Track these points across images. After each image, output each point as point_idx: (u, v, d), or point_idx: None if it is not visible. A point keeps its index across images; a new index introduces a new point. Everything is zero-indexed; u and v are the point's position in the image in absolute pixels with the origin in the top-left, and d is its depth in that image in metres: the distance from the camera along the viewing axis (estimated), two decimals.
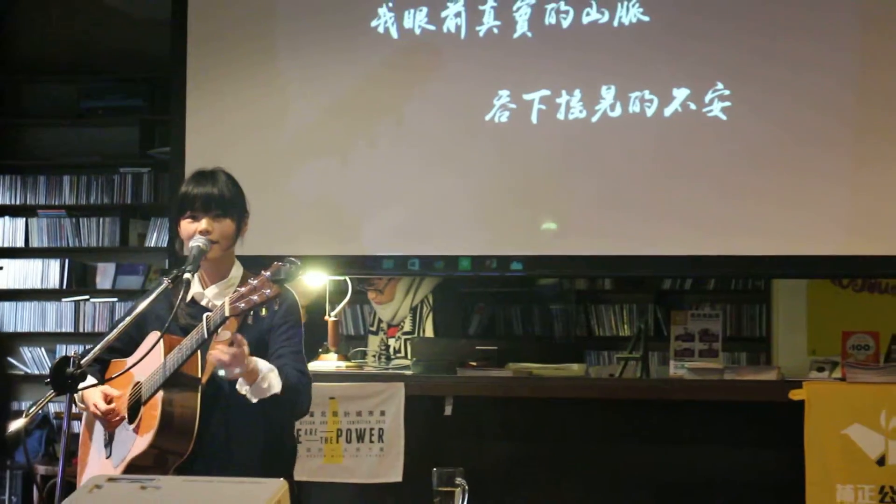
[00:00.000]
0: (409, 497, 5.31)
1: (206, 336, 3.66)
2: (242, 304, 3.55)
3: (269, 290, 3.53)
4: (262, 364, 3.72)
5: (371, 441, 5.59)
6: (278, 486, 2.27)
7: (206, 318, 3.67)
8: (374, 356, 6.48)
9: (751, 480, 5.43)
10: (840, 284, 7.41)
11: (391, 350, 6.49)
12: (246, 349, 3.62)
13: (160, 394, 3.77)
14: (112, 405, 3.86)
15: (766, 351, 8.05)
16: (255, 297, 3.53)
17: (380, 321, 6.66)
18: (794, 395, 5.24)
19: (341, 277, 6.17)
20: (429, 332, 6.46)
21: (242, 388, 3.72)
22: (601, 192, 5.93)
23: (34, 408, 3.73)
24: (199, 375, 3.81)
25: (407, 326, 6.53)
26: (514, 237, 6.00)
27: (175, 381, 3.76)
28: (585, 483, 5.59)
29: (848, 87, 5.70)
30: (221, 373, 3.69)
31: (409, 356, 6.32)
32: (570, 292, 8.60)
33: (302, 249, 5.82)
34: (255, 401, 3.74)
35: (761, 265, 5.94)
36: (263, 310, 3.57)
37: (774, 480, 5.38)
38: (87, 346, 3.74)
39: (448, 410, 5.61)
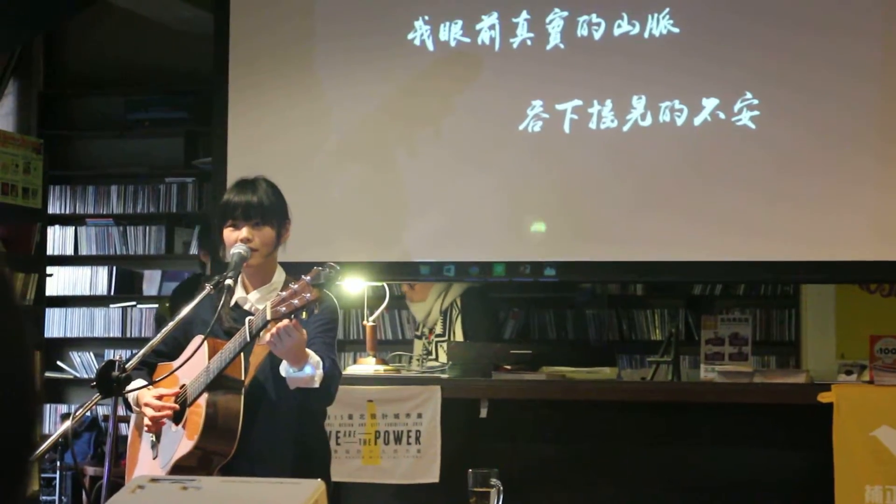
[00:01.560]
0: (445, 498, 5.30)
1: (248, 339, 3.67)
2: (284, 308, 3.55)
3: (309, 294, 3.53)
4: (313, 355, 3.73)
5: (408, 443, 5.58)
6: (315, 486, 2.25)
7: (249, 322, 3.68)
8: (417, 360, 6.48)
9: (780, 482, 5.39)
10: (868, 289, 7.34)
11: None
12: (304, 333, 3.63)
13: (205, 396, 3.78)
14: (164, 402, 3.86)
15: (795, 355, 7.99)
16: (295, 301, 3.54)
17: (423, 325, 6.65)
18: (823, 397, 5.20)
19: (379, 283, 6.16)
20: (458, 335, 6.45)
21: (286, 370, 3.72)
22: (632, 199, 5.90)
23: (81, 410, 3.75)
24: (243, 378, 3.82)
25: (438, 329, 6.53)
26: (547, 243, 5.98)
27: (219, 383, 3.77)
28: (618, 484, 5.57)
29: (875, 89, 5.65)
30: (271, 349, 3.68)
31: (438, 359, 6.32)
32: (603, 297, 8.58)
33: (341, 256, 5.81)
34: (293, 387, 3.74)
35: (790, 270, 5.90)
36: (304, 313, 3.57)
37: (804, 482, 5.34)
38: (134, 351, 3.75)
39: (483, 413, 5.60)
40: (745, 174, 5.79)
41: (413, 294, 6.57)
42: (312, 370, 3.72)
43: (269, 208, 3.94)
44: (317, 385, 3.74)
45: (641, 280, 7.85)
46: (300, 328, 3.60)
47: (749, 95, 5.76)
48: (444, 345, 6.39)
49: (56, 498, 7.45)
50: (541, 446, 5.64)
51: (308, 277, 3.57)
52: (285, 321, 3.56)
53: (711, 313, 6.56)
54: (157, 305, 8.84)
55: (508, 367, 5.81)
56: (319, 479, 2.35)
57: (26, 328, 0.93)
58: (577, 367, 5.91)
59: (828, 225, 5.68)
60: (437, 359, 6.37)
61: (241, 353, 3.75)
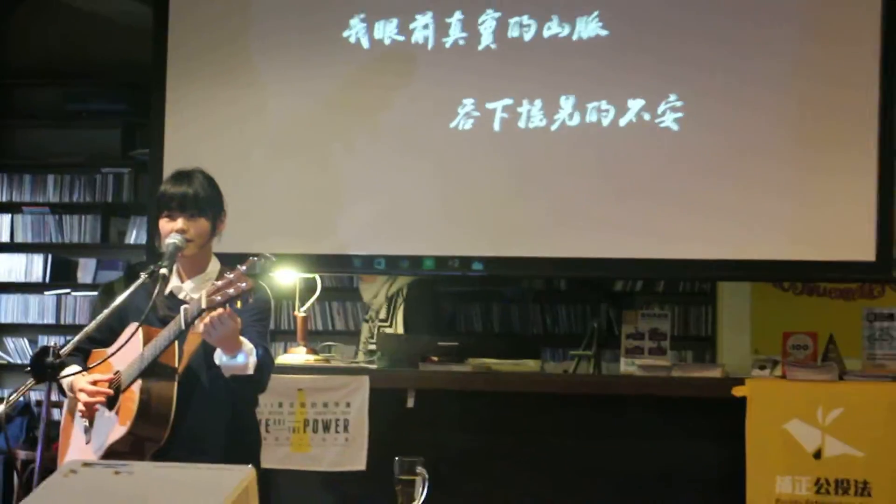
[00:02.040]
0: (372, 485, 5.28)
1: (183, 327, 3.64)
2: (219, 297, 3.52)
3: (244, 284, 3.50)
4: (247, 342, 3.70)
5: (337, 431, 5.56)
6: (246, 472, 2.24)
7: (184, 310, 3.64)
8: (363, 343, 6.45)
9: (696, 471, 5.43)
10: (782, 287, 7.42)
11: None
12: (239, 322, 3.60)
13: (138, 382, 3.74)
14: (98, 387, 3.81)
15: (711, 350, 8.06)
16: (230, 291, 3.51)
17: (371, 308, 6.62)
18: (737, 391, 5.25)
19: (311, 275, 6.13)
20: (399, 323, 6.43)
21: (220, 358, 3.69)
22: (558, 196, 5.92)
23: (14, 395, 3.69)
24: (176, 365, 3.78)
25: (382, 315, 6.51)
26: (476, 239, 5.98)
27: (153, 370, 3.74)
28: (540, 473, 5.58)
29: (791, 99, 5.72)
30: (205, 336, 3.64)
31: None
32: (528, 292, 8.59)
33: (275, 247, 5.75)
34: (227, 375, 3.71)
35: (708, 268, 5.95)
36: (238, 303, 3.54)
37: (718, 471, 5.38)
38: (68, 338, 3.71)
39: (410, 403, 5.59)
40: (667, 175, 5.83)
41: (366, 277, 6.54)
42: (246, 358, 3.69)
43: (204, 200, 3.90)
44: (251, 372, 3.71)
45: (565, 275, 7.88)
46: (235, 317, 3.57)
47: (673, 98, 5.80)
48: (388, 329, 6.38)
49: None
50: (466, 436, 5.64)
51: (243, 267, 3.54)
52: (220, 310, 3.53)
53: (632, 308, 6.60)
54: (92, 293, 8.74)
55: (435, 358, 5.81)
56: (250, 465, 2.33)
57: None
58: (502, 359, 5.91)
59: (744, 225, 5.73)
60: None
61: (176, 341, 3.72)
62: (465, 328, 8.60)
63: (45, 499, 2.21)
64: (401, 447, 4.12)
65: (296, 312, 6.02)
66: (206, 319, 3.55)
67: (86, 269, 8.94)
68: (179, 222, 3.86)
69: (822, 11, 5.73)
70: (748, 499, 5.18)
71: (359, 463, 5.50)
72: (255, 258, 3.58)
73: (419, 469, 3.76)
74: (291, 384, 5.54)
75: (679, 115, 5.80)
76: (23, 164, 9.02)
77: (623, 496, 5.50)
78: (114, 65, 8.84)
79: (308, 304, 6.04)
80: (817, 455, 5.17)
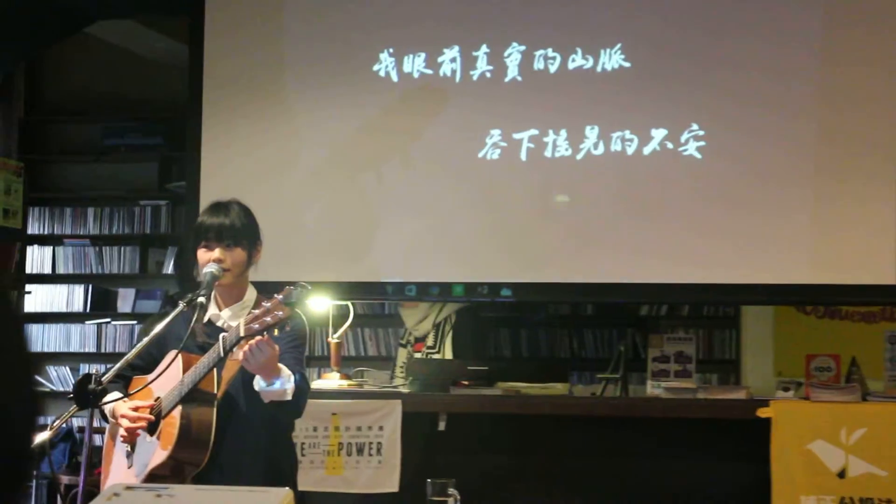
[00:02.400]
0: None
1: (222, 354, 3.66)
2: (256, 325, 3.54)
3: (281, 312, 3.52)
4: (284, 369, 3.71)
5: (370, 454, 5.57)
6: (284, 493, 2.25)
7: (223, 338, 3.66)
8: (400, 368, 6.43)
9: (722, 492, 5.41)
10: (804, 311, 7.39)
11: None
12: (277, 349, 3.61)
13: (179, 408, 3.76)
14: (139, 413, 3.84)
15: (735, 372, 8.03)
16: (268, 319, 3.53)
17: (409, 333, 6.57)
18: (762, 412, 5.23)
19: (344, 302, 6.15)
20: (448, 351, 6.40)
21: (259, 384, 3.70)
22: (585, 223, 5.93)
23: (58, 421, 3.72)
24: (216, 391, 3.80)
25: (430, 342, 6.49)
26: (504, 265, 5.99)
27: (193, 396, 3.75)
28: (569, 494, 5.57)
29: (809, 126, 5.71)
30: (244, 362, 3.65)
31: None
32: (556, 318, 8.59)
33: (309, 275, 5.79)
34: (266, 401, 3.72)
35: (731, 292, 5.94)
36: (276, 330, 3.56)
37: (744, 492, 5.36)
38: (109, 365, 3.73)
39: (442, 426, 5.60)
40: (690, 201, 5.83)
41: (409, 302, 6.49)
42: (283, 384, 3.71)
43: (241, 230, 3.93)
44: (289, 398, 3.72)
45: (591, 301, 7.87)
46: (272, 344, 3.59)
47: (695, 127, 5.81)
48: (437, 356, 6.35)
49: None
50: (496, 458, 5.64)
51: (280, 296, 3.55)
52: (258, 337, 3.55)
53: (657, 333, 6.59)
54: (132, 322, 8.79)
55: (466, 382, 5.81)
56: (287, 488, 2.34)
57: (28, 346, 0.90)
58: (530, 382, 5.91)
59: (766, 250, 5.73)
60: None
61: (214, 368, 3.74)
62: (494, 353, 8.60)
63: None
64: (433, 469, 4.14)
65: (329, 339, 6.04)
66: (246, 347, 3.57)
67: (125, 299, 8.99)
68: (217, 252, 3.88)
69: (843, 37, 5.72)
70: None
71: (391, 485, 5.50)
72: (292, 287, 3.59)
73: (451, 491, 3.77)
74: (325, 408, 5.55)
75: (701, 143, 5.80)
76: (63, 198, 9.09)
77: None
78: (149, 100, 8.91)
79: (341, 330, 6.06)
80: (841, 475, 5.14)
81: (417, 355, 6.39)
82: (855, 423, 5.15)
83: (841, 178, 5.68)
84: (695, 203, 5.82)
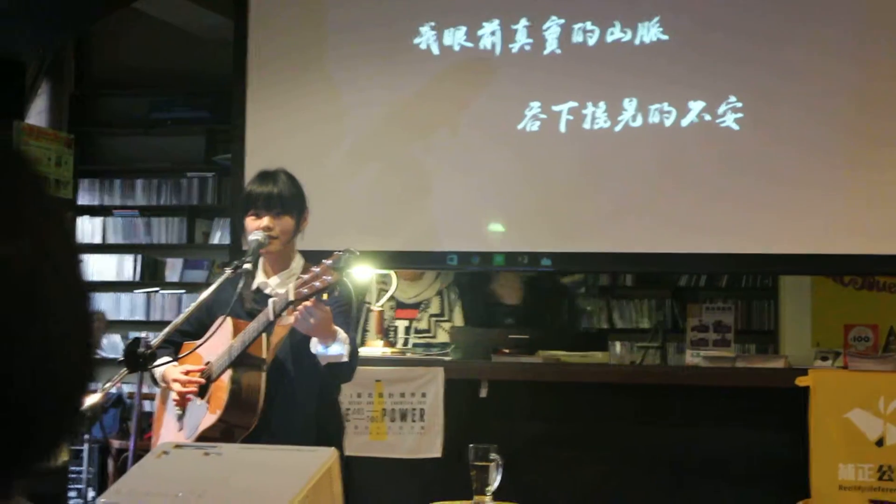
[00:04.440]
0: (447, 471, 5.30)
1: (271, 318, 3.68)
2: (305, 290, 3.55)
3: (329, 277, 3.53)
4: (340, 331, 3.73)
5: (413, 420, 5.59)
6: (329, 453, 2.27)
7: (273, 303, 3.68)
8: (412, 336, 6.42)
9: (760, 460, 5.40)
10: (842, 282, 7.35)
11: (412, 330, 6.41)
12: (329, 310, 3.62)
13: (228, 373, 3.78)
14: (190, 377, 3.87)
15: (773, 343, 8.00)
16: (316, 283, 3.54)
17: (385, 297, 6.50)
18: (801, 381, 5.20)
19: (386, 271, 6.16)
20: (457, 318, 6.42)
21: (316, 347, 3.71)
22: (623, 194, 5.90)
23: (108, 384, 3.75)
24: (264, 356, 3.82)
25: (434, 309, 6.48)
26: (544, 235, 5.98)
27: (242, 361, 3.78)
28: (608, 460, 5.57)
29: (847, 97, 5.65)
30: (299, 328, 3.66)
31: (437, 337, 6.29)
32: (595, 287, 8.58)
33: (352, 245, 5.83)
34: (324, 363, 3.73)
35: (769, 263, 5.90)
36: (325, 295, 3.57)
37: (782, 460, 5.34)
38: (158, 333, 3.76)
39: (483, 393, 5.61)
40: (728, 173, 5.79)
41: (409, 275, 6.47)
42: (341, 345, 3.72)
43: (288, 199, 3.94)
44: (346, 359, 3.74)
45: (631, 270, 7.87)
46: (324, 306, 3.60)
47: (733, 99, 5.76)
48: (444, 324, 6.37)
49: (84, 468, 7.45)
50: (536, 424, 5.65)
51: (329, 261, 3.57)
52: (310, 300, 3.56)
53: (696, 302, 6.57)
54: (179, 291, 8.86)
55: (507, 350, 5.82)
56: (333, 448, 2.36)
57: (84, 281, 0.89)
58: (571, 351, 5.91)
59: (804, 221, 5.68)
60: (435, 337, 6.34)
61: (264, 333, 3.75)
62: (535, 322, 8.60)
63: (138, 477, 2.25)
64: (474, 435, 4.15)
65: (372, 307, 6.06)
66: (299, 309, 3.58)
67: (173, 269, 9.06)
68: (265, 220, 3.89)
69: (881, 7, 5.66)
70: (812, 486, 5.14)
71: (434, 450, 5.52)
72: (341, 252, 3.60)
73: (493, 455, 3.78)
74: (369, 375, 5.57)
75: (739, 115, 5.76)
76: (112, 171, 9.16)
77: (689, 482, 5.48)
78: (195, 74, 8.95)
79: (384, 299, 6.08)
80: (879, 443, 5.12)
81: (403, 322, 6.33)
82: (893, 392, 5.12)
83: (879, 148, 5.62)
84: (732, 174, 5.78)
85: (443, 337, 6.27)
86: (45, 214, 0.80)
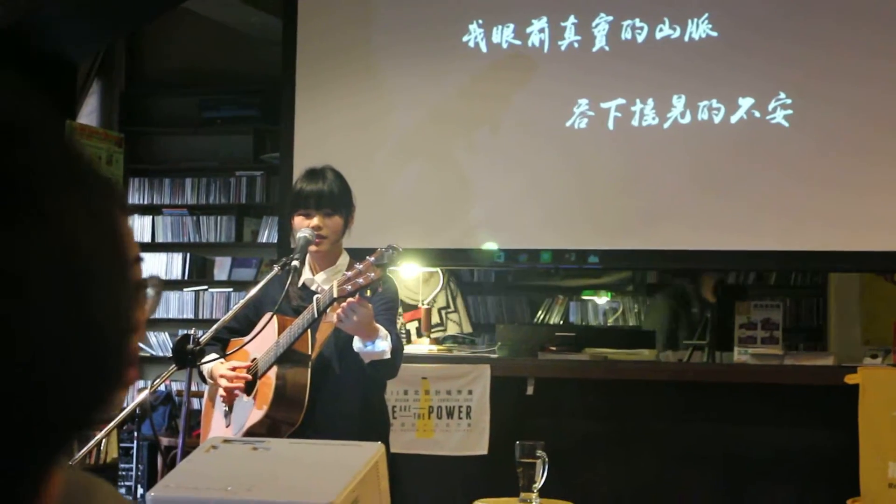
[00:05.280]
0: (494, 468, 5.30)
1: (316, 315, 3.68)
2: (349, 287, 3.56)
3: (373, 274, 3.53)
4: (381, 328, 3.72)
5: (460, 417, 5.59)
6: (376, 448, 2.27)
7: (317, 300, 3.69)
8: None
9: (809, 457, 5.35)
10: (891, 279, 7.27)
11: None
12: (371, 308, 3.63)
13: (274, 369, 3.79)
14: (236, 373, 3.88)
15: (822, 340, 7.93)
16: (360, 280, 3.54)
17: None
18: (850, 379, 5.15)
19: (434, 269, 6.17)
20: (461, 309, 6.44)
21: (357, 345, 3.71)
22: (671, 192, 5.87)
23: (158, 381, 3.77)
24: (310, 353, 3.83)
25: (441, 302, 6.48)
26: (591, 232, 5.96)
27: (287, 357, 3.79)
28: (655, 458, 5.55)
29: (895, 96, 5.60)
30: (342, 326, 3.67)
31: (448, 329, 6.30)
32: (642, 286, 8.54)
33: (398, 242, 5.84)
34: (367, 361, 3.73)
35: (818, 260, 5.86)
36: (368, 291, 3.57)
37: (831, 458, 5.30)
38: (207, 330, 3.77)
39: (530, 390, 5.60)
40: (777, 171, 5.75)
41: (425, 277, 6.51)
42: (383, 343, 3.72)
43: (338, 197, 3.93)
44: (388, 357, 3.73)
45: (678, 267, 7.82)
46: (366, 304, 3.60)
47: (783, 95, 5.72)
48: (451, 315, 6.38)
49: (133, 465, 7.51)
50: (583, 422, 5.63)
51: (372, 258, 3.57)
52: (351, 298, 3.56)
53: (744, 300, 6.52)
54: (228, 289, 8.91)
55: (553, 347, 5.81)
56: (380, 443, 2.35)
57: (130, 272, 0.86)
58: (618, 349, 5.89)
59: (853, 218, 5.64)
60: (446, 329, 6.34)
61: (309, 330, 3.76)
62: (581, 320, 8.59)
63: (187, 472, 2.26)
64: (521, 433, 4.15)
65: (420, 304, 6.06)
66: (343, 307, 3.59)
67: (221, 267, 9.10)
68: (316, 220, 3.88)
69: None
70: (862, 483, 5.08)
71: (481, 448, 5.52)
72: (385, 249, 3.60)
73: (539, 452, 3.77)
74: (416, 373, 5.58)
75: (789, 112, 5.71)
76: (162, 169, 9.22)
77: (738, 479, 5.44)
78: (244, 74, 8.99)
79: (432, 296, 6.09)
80: None
81: (412, 324, 6.30)
82: None
83: None
84: (781, 171, 5.74)
85: (452, 329, 6.29)
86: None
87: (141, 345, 8.86)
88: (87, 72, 8.57)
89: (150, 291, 1.07)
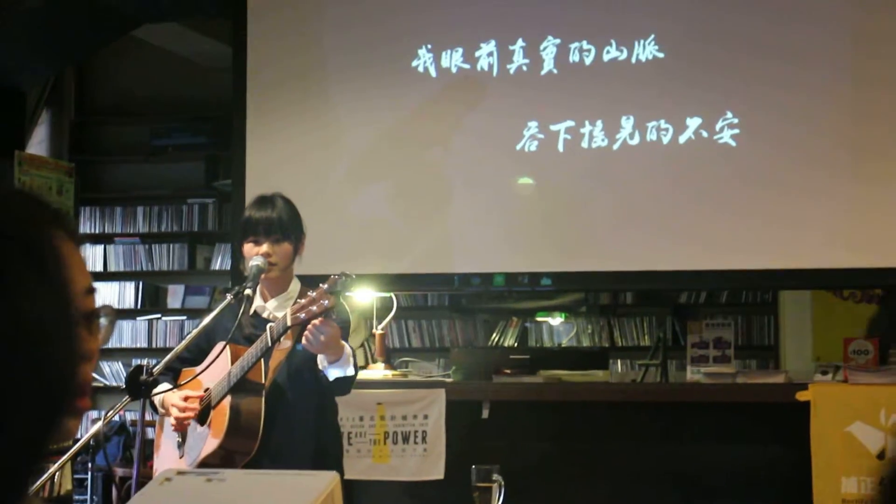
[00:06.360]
0: (450, 493, 5.28)
1: (269, 344, 3.67)
2: (303, 314, 3.55)
3: (326, 301, 3.53)
4: (346, 345, 3.73)
5: (415, 442, 5.57)
6: (331, 477, 2.25)
7: (270, 329, 3.67)
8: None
9: (762, 475, 5.38)
10: (841, 296, 7.34)
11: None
12: (337, 326, 3.63)
13: (228, 398, 3.77)
14: (189, 403, 3.86)
15: (774, 357, 7.99)
16: (314, 308, 3.54)
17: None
18: (801, 396, 5.19)
19: (387, 294, 6.16)
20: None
21: (323, 363, 3.71)
22: (622, 213, 5.90)
23: (111, 412, 3.74)
24: (263, 381, 3.81)
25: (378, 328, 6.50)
26: (544, 255, 5.98)
27: (241, 386, 3.77)
28: (611, 478, 5.56)
29: (844, 109, 5.66)
30: (300, 344, 3.67)
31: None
32: (595, 307, 8.57)
33: (351, 268, 5.82)
34: (332, 378, 3.73)
35: (769, 278, 5.90)
36: (321, 319, 3.57)
37: (784, 474, 5.33)
38: (160, 359, 3.75)
39: (485, 414, 5.60)
40: (726, 189, 5.79)
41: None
42: (347, 358, 3.73)
43: (287, 224, 3.93)
44: (352, 373, 3.75)
45: (630, 289, 7.85)
46: (331, 323, 3.60)
47: (730, 115, 5.77)
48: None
49: (87, 497, 7.44)
50: (539, 444, 5.63)
51: (325, 285, 3.57)
52: (317, 320, 3.56)
53: (696, 319, 6.56)
54: (181, 317, 8.86)
55: (508, 371, 5.81)
56: (335, 472, 2.34)
57: (66, 315, 0.89)
58: (571, 370, 5.90)
59: (803, 235, 5.68)
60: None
61: (262, 358, 3.75)
62: (535, 342, 8.61)
63: None
64: (477, 456, 4.13)
65: (374, 330, 6.05)
66: (309, 328, 3.58)
67: (175, 295, 9.05)
68: (265, 247, 3.88)
69: (877, 18, 5.66)
70: (815, 500, 5.12)
71: (437, 472, 5.50)
72: (337, 276, 3.60)
73: (495, 476, 3.76)
74: (371, 398, 5.56)
75: (736, 131, 5.76)
76: (113, 198, 9.18)
77: (693, 498, 5.46)
78: (195, 101, 8.97)
79: (385, 321, 6.07)
80: (881, 456, 5.10)
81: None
82: (893, 404, 5.10)
83: (875, 158, 5.62)
84: (731, 190, 5.78)
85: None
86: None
87: (94, 374, 8.79)
88: (37, 101, 8.52)
89: (103, 321, 1.09)
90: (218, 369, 3.79)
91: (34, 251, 0.85)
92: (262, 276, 3.87)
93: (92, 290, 0.97)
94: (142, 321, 9.01)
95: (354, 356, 3.82)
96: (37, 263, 0.84)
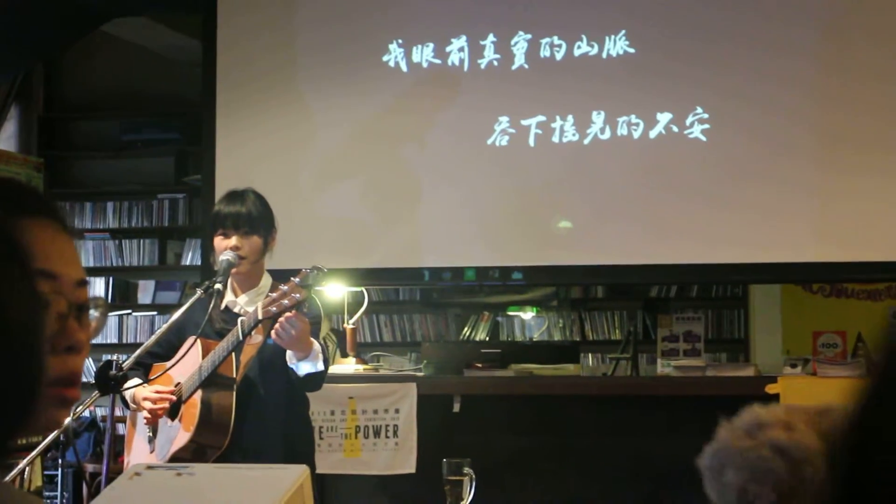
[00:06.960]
0: (421, 486, 5.29)
1: (241, 338, 3.67)
2: (274, 308, 3.55)
3: (298, 295, 3.53)
4: (315, 342, 3.73)
5: (387, 436, 5.57)
6: (301, 471, 2.25)
7: (241, 322, 3.67)
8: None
9: None
10: (810, 290, 7.37)
11: None
12: (307, 322, 3.63)
13: (199, 393, 3.77)
14: (160, 396, 3.85)
15: (744, 351, 8.02)
16: (285, 301, 3.54)
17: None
18: (770, 388, 5.22)
19: (358, 288, 6.15)
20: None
21: (292, 360, 3.72)
22: (593, 207, 5.92)
23: (81, 408, 3.72)
24: (234, 375, 3.81)
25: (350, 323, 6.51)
26: (515, 249, 5.99)
27: (212, 381, 3.77)
28: (582, 471, 5.57)
29: (813, 99, 5.69)
30: (270, 339, 3.68)
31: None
32: (566, 301, 8.59)
33: (323, 263, 5.82)
34: (301, 374, 3.73)
35: (739, 272, 5.93)
36: (293, 313, 3.57)
37: None
38: (130, 355, 3.74)
39: (456, 408, 5.60)
40: (696, 183, 5.82)
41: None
42: (316, 355, 3.73)
43: (256, 218, 3.93)
44: (322, 368, 3.75)
45: (601, 283, 7.88)
46: (302, 318, 3.60)
47: (700, 110, 5.79)
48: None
49: (58, 493, 7.39)
50: (510, 438, 5.64)
51: (297, 279, 3.57)
52: (288, 314, 3.56)
53: (667, 313, 6.58)
54: (152, 313, 8.83)
55: (479, 365, 5.81)
56: (305, 465, 2.34)
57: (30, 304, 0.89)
58: (542, 364, 5.91)
59: (772, 229, 5.71)
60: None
61: (233, 353, 3.75)
62: (506, 336, 8.62)
63: (111, 499, 2.23)
64: (448, 450, 4.14)
65: (345, 325, 6.05)
66: (280, 322, 3.59)
67: (145, 291, 9.01)
68: (234, 240, 3.88)
69: (845, 9, 5.69)
70: None
71: (409, 466, 5.51)
72: (309, 270, 3.60)
73: (466, 470, 3.77)
74: (342, 392, 5.56)
75: (706, 126, 5.78)
76: (83, 194, 9.12)
77: (662, 492, 5.48)
78: (165, 96, 8.92)
79: (356, 316, 6.07)
80: None
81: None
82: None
83: (846, 149, 5.65)
84: (701, 185, 5.81)
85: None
86: None
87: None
88: (5, 96, 8.47)
89: (94, 312, 1.09)
90: (189, 364, 3.78)
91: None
92: (233, 270, 3.87)
93: (84, 283, 0.96)
94: (112, 317, 8.96)
95: (324, 351, 3.82)
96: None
